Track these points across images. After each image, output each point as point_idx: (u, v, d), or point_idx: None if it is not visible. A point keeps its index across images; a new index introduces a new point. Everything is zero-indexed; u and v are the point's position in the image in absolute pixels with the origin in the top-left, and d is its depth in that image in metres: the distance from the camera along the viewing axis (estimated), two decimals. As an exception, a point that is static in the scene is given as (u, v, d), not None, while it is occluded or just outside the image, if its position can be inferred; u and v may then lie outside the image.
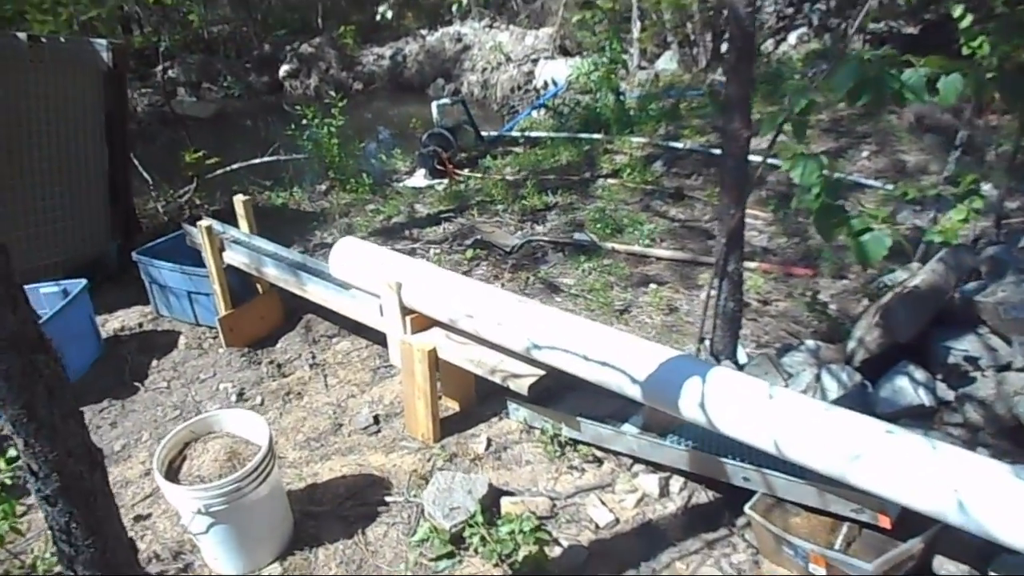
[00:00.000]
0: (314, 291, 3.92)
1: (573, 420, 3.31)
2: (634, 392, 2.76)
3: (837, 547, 2.67)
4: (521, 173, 7.24)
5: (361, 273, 3.66)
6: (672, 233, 5.51)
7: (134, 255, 4.83)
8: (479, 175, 7.39)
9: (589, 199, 6.32)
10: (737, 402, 2.55)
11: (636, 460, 3.29)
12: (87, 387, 4.23)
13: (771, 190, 6.11)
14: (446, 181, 7.47)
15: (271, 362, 4.41)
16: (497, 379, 3.24)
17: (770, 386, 2.57)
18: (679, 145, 7.14)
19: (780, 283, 4.66)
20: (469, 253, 5.20)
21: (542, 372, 3.18)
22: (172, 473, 2.91)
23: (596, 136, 7.83)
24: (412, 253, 5.59)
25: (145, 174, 7.49)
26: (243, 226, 4.56)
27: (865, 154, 6.53)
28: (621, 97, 8.40)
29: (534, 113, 9.89)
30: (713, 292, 3.52)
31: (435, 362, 3.39)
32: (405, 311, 3.49)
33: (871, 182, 5.96)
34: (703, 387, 2.60)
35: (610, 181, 6.55)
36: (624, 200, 6.09)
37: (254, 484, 2.79)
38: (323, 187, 7.58)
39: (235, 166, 7.66)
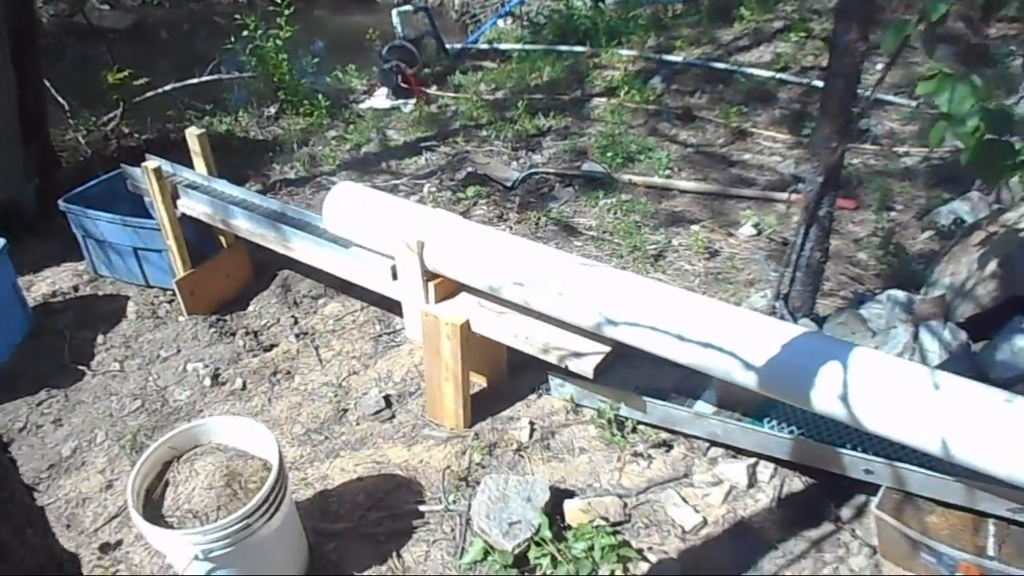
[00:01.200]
0: (302, 249, 3.19)
1: (636, 399, 2.75)
2: (746, 379, 2.20)
3: (991, 553, 2.22)
4: (500, 92, 6.45)
5: (366, 227, 2.95)
6: (688, 161, 4.90)
7: (61, 204, 3.96)
8: (451, 94, 6.57)
9: (586, 122, 5.61)
10: (892, 394, 2.02)
11: (713, 443, 2.77)
12: (18, 373, 3.46)
13: (784, 108, 5.53)
14: (413, 101, 6.62)
15: (247, 332, 3.69)
16: (551, 358, 2.63)
17: (932, 371, 2.04)
18: (676, 59, 6.44)
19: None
20: (470, 191, 4.47)
21: (607, 348, 2.59)
22: (152, 506, 2.24)
23: (578, 49, 7.04)
24: (395, 191, 4.83)
25: (60, 98, 6.40)
26: (199, 166, 3.74)
27: (879, 67, 5.96)
28: (600, 3, 7.58)
29: (500, 22, 8.95)
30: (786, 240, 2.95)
31: (467, 338, 2.76)
32: (429, 276, 2.82)
33: (893, 98, 5.42)
34: (845, 375, 2.05)
35: (606, 101, 5.84)
36: (626, 123, 5.41)
37: (265, 517, 2.16)
38: (272, 110, 6.63)
39: (168, 87, 6.62)
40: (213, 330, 3.62)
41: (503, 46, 7.82)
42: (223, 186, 3.63)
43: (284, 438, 3.03)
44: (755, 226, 3.97)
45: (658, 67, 6.41)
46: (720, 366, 2.22)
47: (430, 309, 2.81)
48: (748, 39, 6.78)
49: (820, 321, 3.02)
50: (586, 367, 2.53)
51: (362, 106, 6.74)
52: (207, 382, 3.33)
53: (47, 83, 6.36)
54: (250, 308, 3.93)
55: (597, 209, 4.36)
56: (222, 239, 3.87)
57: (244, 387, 3.31)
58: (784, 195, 4.26)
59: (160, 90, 6.54)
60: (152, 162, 3.54)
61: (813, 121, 5.28)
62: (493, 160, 5.02)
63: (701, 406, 2.72)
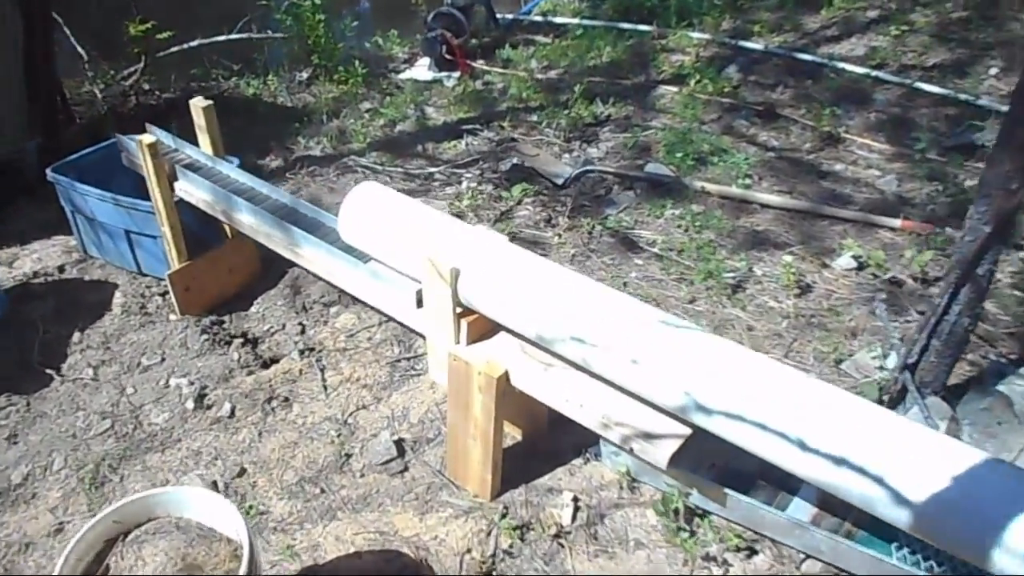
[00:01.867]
0: (313, 257, 2.62)
1: (713, 487, 2.15)
2: (895, 516, 1.59)
3: None
4: (554, 72, 5.80)
5: (389, 241, 2.37)
6: (769, 167, 4.22)
7: (49, 173, 3.44)
8: (499, 70, 5.93)
9: (650, 112, 4.95)
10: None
11: (808, 555, 2.17)
12: (-24, 372, 2.97)
13: (880, 111, 4.81)
14: (456, 75, 6.00)
15: (244, 339, 3.15)
16: (613, 436, 2.04)
17: None
18: (755, 46, 5.71)
19: (936, 251, 3.44)
20: (516, 190, 3.85)
21: (688, 431, 1.99)
22: (83, 605, 1.72)
23: (643, 28, 6.33)
24: (430, 180, 4.24)
25: (79, 47, 5.89)
26: (204, 143, 3.18)
27: (993, 72, 5.20)
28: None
29: (556, -7, 8.23)
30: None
31: (504, 391, 2.18)
32: (462, 311, 2.24)
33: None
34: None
35: (673, 89, 5.16)
36: (696, 116, 4.74)
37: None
38: (304, 75, 6.06)
39: (194, 43, 6.06)
40: (206, 337, 3.08)
41: (559, 19, 7.14)
42: (229, 170, 3.07)
43: (272, 487, 2.49)
44: (855, 258, 3.31)
45: (734, 54, 5.69)
46: (858, 491, 1.61)
47: (460, 352, 2.23)
48: (837, 28, 6.01)
49: (953, 400, 2.39)
50: (659, 455, 1.94)
51: (401, 76, 6.14)
52: (190, 404, 2.80)
53: (67, 31, 5.87)
54: (253, 309, 3.39)
55: (663, 220, 3.73)
56: (226, 227, 3.32)
57: (232, 414, 2.77)
58: (890, 220, 3.59)
59: (186, 45, 5.99)
60: (148, 136, 2.99)
61: (916, 131, 4.60)
62: (543, 151, 4.39)
63: (798, 507, 2.12)
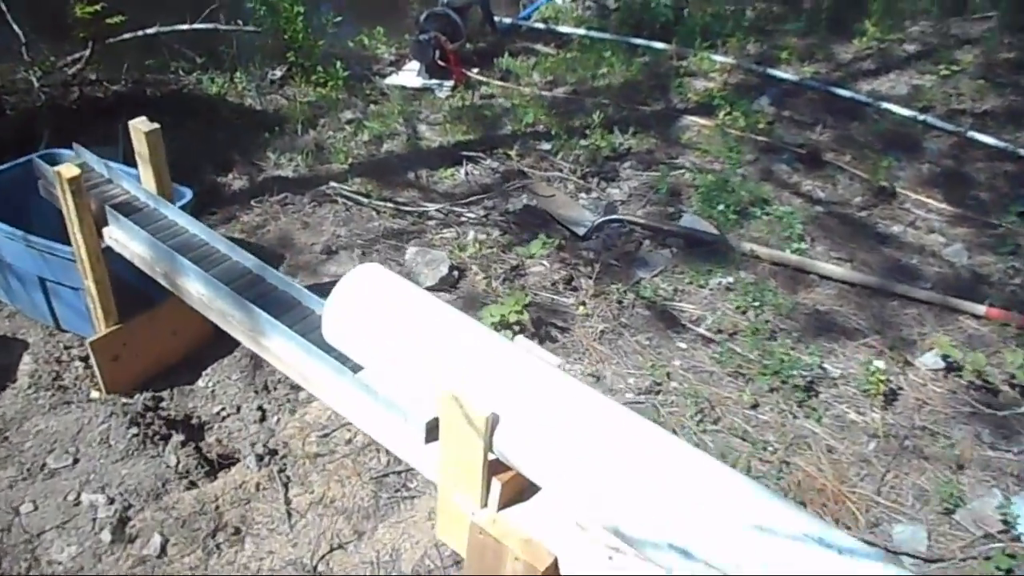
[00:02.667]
0: (281, 352, 1.94)
1: None
2: None
3: None
4: (560, 88, 5.17)
5: (391, 351, 1.71)
6: (820, 226, 3.64)
7: (-56, 196, 2.70)
8: (497, 81, 5.28)
9: (675, 146, 4.34)
10: None
11: None
12: None
13: (933, 163, 4.27)
14: (449, 84, 5.33)
15: (187, 425, 2.46)
16: None
17: None
18: (787, 76, 5.15)
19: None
20: (535, 246, 3.17)
21: None
22: None
23: (658, 45, 5.73)
24: (424, 219, 3.56)
25: (15, 26, 5.07)
26: (146, 178, 2.46)
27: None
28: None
29: (558, -1, 7.59)
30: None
31: (548, 583, 1.54)
32: (493, 466, 1.58)
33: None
34: None
35: (701, 121, 4.56)
36: (727, 154, 4.14)
37: None
38: (278, 74, 5.33)
39: (152, 30, 5.27)
40: (135, 431, 2.36)
41: (563, 28, 6.52)
42: (176, 215, 2.36)
43: (212, 674, 1.81)
44: (944, 357, 2.74)
45: (763, 84, 5.13)
46: None
47: (489, 525, 1.57)
48: (873, 61, 5.49)
49: None
50: None
51: (387, 81, 5.45)
52: (106, 535, 2.09)
53: (2, 6, 5.06)
54: (200, 383, 2.70)
55: (708, 291, 3.11)
56: (171, 280, 2.61)
57: (163, 551, 2.07)
58: (973, 306, 3.03)
59: (141, 32, 5.19)
60: (69, 166, 2.26)
61: (975, 188, 4.06)
62: (558, 191, 3.74)
63: None
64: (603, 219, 3.48)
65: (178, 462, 2.30)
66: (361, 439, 2.41)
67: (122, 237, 2.31)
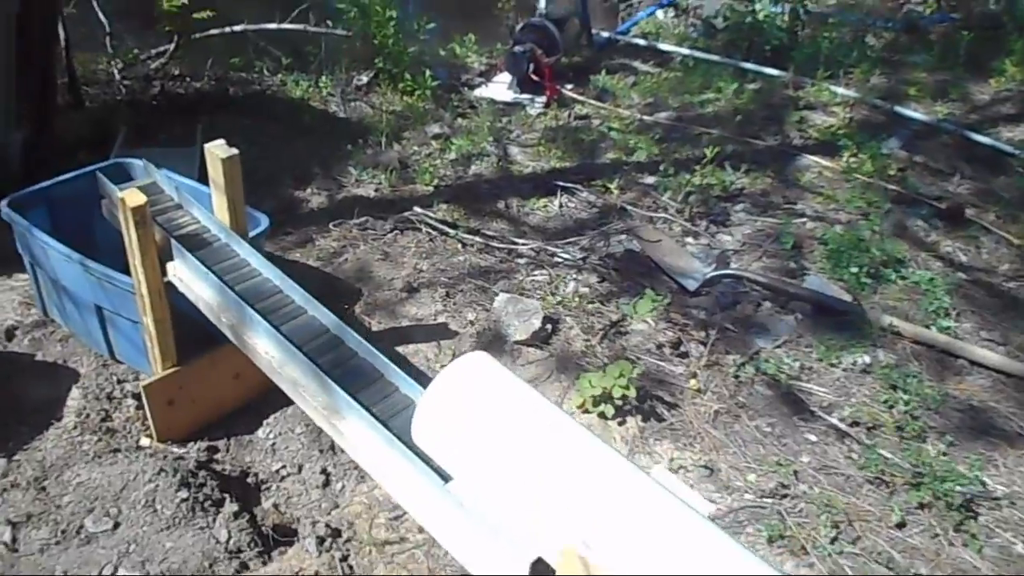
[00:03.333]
0: (359, 441, 1.62)
1: None
2: None
3: None
4: (663, 113, 4.77)
5: (492, 462, 1.37)
6: (965, 296, 3.15)
7: (3, 208, 2.47)
8: (592, 101, 4.93)
9: (793, 189, 3.90)
10: None
11: None
12: None
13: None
14: (542, 100, 5.00)
15: (242, 483, 2.17)
16: None
17: None
18: (918, 116, 4.64)
19: None
20: (645, 305, 2.77)
21: None
22: None
23: (770, 71, 5.27)
24: (514, 256, 3.22)
25: (100, 15, 4.95)
26: (219, 206, 2.18)
27: None
28: (803, 11, 5.71)
29: (659, 13, 7.16)
30: None
31: None
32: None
33: None
34: None
35: (823, 162, 4.11)
36: (856, 203, 3.68)
37: None
38: (364, 79, 5.07)
39: (239, 27, 5.08)
40: (184, 493, 2.07)
41: (664, 46, 6.10)
42: (248, 254, 2.07)
43: None
44: None
45: (890, 122, 4.63)
46: None
47: None
48: (1013, 105, 4.92)
49: None
50: None
51: (476, 93, 5.16)
52: (142, 628, 1.81)
53: (94, -6, 4.94)
54: (260, 433, 2.41)
55: (841, 372, 2.68)
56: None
57: (203, 656, 1.78)
58: None
59: (228, 29, 5.01)
60: (135, 192, 1.99)
61: None
62: (665, 237, 3.34)
63: None
64: (716, 272, 3.08)
65: (229, 537, 2.01)
66: (437, 529, 2.07)
67: (187, 276, 2.03)
